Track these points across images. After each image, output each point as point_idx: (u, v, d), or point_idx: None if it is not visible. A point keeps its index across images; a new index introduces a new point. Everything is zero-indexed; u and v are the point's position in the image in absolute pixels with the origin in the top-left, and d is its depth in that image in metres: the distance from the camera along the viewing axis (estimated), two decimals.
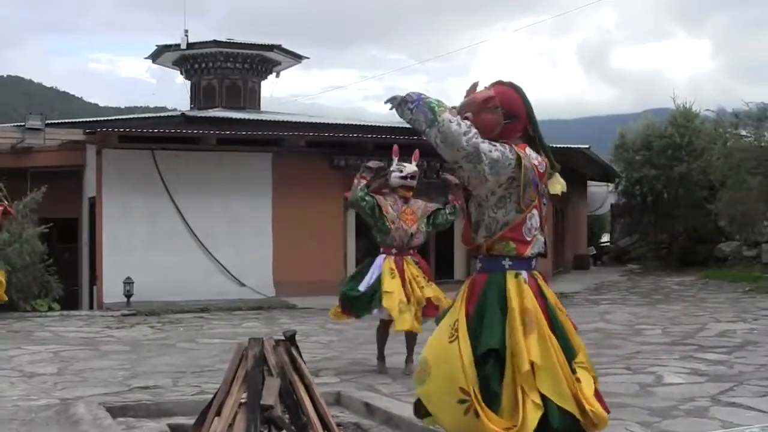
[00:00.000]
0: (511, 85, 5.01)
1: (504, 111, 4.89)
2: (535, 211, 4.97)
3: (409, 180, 10.50)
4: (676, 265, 29.62)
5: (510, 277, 4.84)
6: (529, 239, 4.96)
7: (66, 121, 27.82)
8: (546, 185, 5.10)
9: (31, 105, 54.22)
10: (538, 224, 5.02)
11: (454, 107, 4.86)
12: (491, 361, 4.64)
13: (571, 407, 4.68)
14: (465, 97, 5.01)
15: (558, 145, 25.98)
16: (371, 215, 10.29)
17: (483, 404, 4.56)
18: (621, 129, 32.48)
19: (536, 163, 5.00)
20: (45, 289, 18.89)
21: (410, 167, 10.60)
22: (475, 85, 5.05)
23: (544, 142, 5.20)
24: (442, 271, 22.12)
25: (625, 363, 11.05)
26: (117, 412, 7.94)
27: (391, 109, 4.88)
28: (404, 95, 4.66)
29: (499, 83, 5.02)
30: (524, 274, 4.94)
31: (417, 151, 10.80)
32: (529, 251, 4.97)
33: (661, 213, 30.76)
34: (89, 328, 15.67)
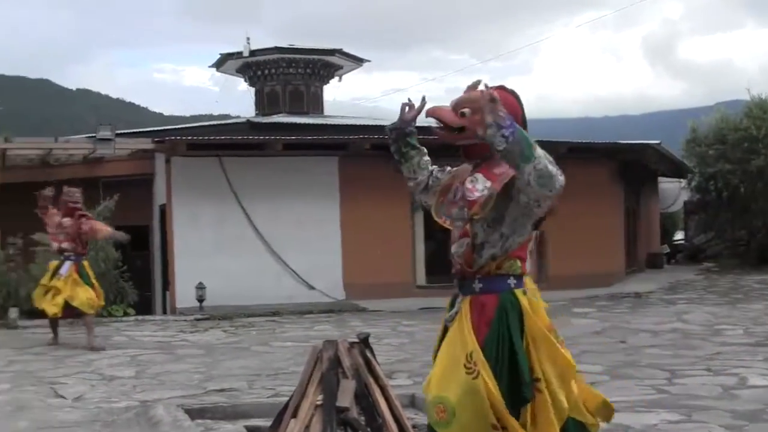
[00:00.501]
0: (512, 93, 4.76)
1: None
2: None
3: None
4: (755, 263, 28.85)
5: (520, 295, 4.52)
6: (526, 256, 4.70)
7: (134, 131, 28.19)
8: None
9: (100, 116, 54.96)
10: None
11: (440, 106, 4.78)
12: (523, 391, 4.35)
13: (584, 417, 4.59)
14: (465, 92, 4.75)
15: (627, 141, 25.89)
16: None
17: None
18: (692, 123, 31.43)
19: None
20: (120, 294, 19.21)
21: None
22: (476, 83, 4.74)
23: None
24: None
25: (705, 364, 10.89)
26: (195, 414, 8.12)
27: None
28: (496, 118, 4.13)
29: (502, 88, 4.73)
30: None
31: None
32: (527, 268, 4.69)
33: (738, 209, 29.77)
34: (164, 333, 15.95)
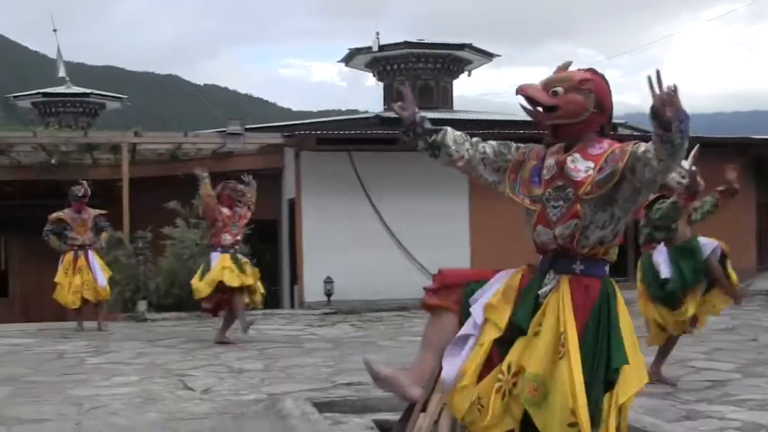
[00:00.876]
0: (603, 77, 4.62)
1: (596, 98, 4.51)
2: None
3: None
4: None
5: (615, 285, 4.47)
6: None
7: (263, 125, 28.45)
8: None
9: (228, 112, 55.71)
10: None
11: (530, 84, 4.62)
12: (603, 383, 4.27)
13: None
14: (555, 72, 4.65)
15: (760, 136, 25.18)
16: None
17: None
18: None
19: None
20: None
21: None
22: (567, 64, 4.68)
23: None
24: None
25: None
26: (323, 408, 8.07)
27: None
28: (678, 111, 3.92)
29: (593, 71, 4.64)
30: None
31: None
32: None
33: None
34: (292, 326, 16.00)
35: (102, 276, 15.45)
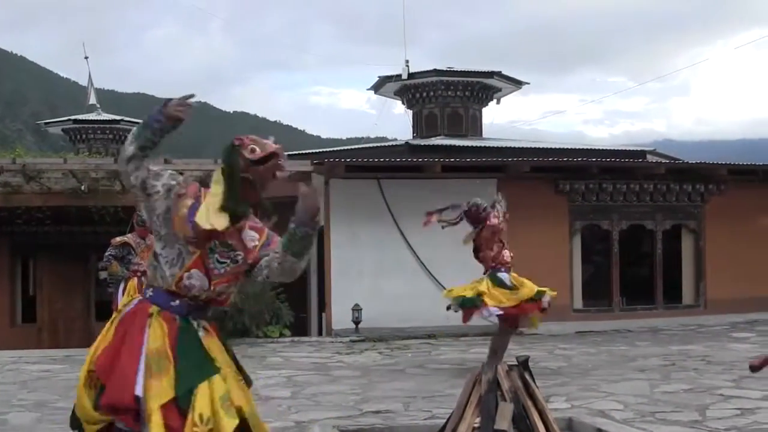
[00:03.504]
0: None
1: None
2: None
3: None
4: None
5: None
6: None
7: (293, 153, 28.52)
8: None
9: None
10: None
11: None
12: None
13: None
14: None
15: None
16: None
17: None
18: None
19: None
20: (276, 315, 19.34)
21: None
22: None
23: None
24: (668, 296, 21.74)
25: None
26: None
27: None
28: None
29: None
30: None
31: None
32: None
33: None
34: (319, 354, 15.99)
35: None
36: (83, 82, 43.65)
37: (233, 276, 4.75)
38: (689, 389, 10.99)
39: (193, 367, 4.50)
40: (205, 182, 16.92)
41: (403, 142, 28.82)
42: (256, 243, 4.77)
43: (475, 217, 11.63)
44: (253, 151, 4.87)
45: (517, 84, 33.33)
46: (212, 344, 4.68)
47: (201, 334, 4.66)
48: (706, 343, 16.39)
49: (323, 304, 20.59)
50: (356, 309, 19.19)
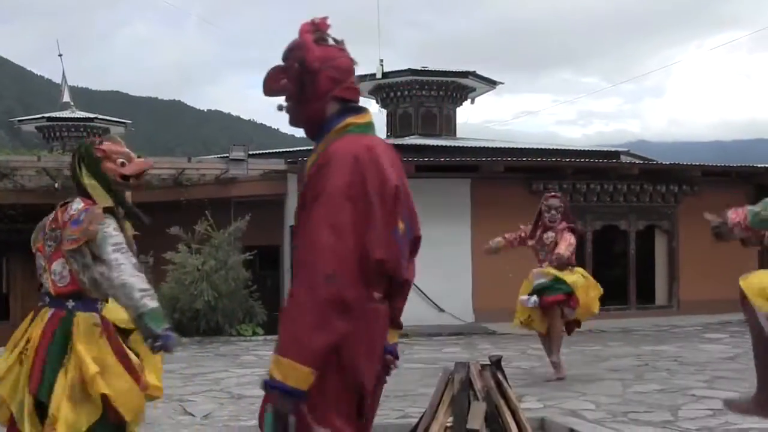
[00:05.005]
0: None
1: None
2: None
3: None
4: None
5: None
6: None
7: (267, 152, 28.50)
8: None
9: (231, 137, 55.85)
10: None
11: None
12: None
13: None
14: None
15: (764, 165, 25.22)
16: None
17: None
18: None
19: None
20: (249, 314, 19.33)
21: None
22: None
23: None
24: (642, 296, 21.86)
25: None
26: None
27: None
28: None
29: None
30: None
31: None
32: None
33: None
34: None
35: None
36: (57, 79, 43.51)
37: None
38: (661, 389, 11.04)
39: None
40: (178, 181, 16.87)
41: None
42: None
43: None
44: (122, 164, 5.13)
45: (492, 84, 33.38)
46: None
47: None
48: (679, 343, 16.46)
49: None
50: None
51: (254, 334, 18.85)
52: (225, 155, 21.99)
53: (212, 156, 26.78)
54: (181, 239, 19.05)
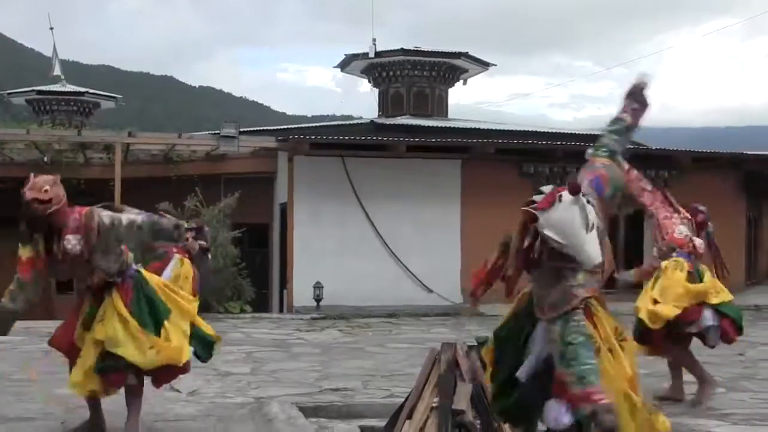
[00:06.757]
0: None
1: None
2: None
3: None
4: None
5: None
6: None
7: (258, 129, 28.43)
8: None
9: (222, 114, 55.69)
10: None
11: None
12: None
13: None
14: None
15: (753, 152, 25.27)
16: None
17: None
18: None
19: None
20: (237, 291, 19.33)
21: None
22: None
23: None
24: None
25: None
26: (309, 413, 8.07)
27: None
28: None
29: None
30: None
31: None
32: None
33: None
34: (280, 331, 15.97)
35: None
36: (48, 53, 43.24)
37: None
38: (646, 374, 11.04)
39: None
40: (168, 157, 16.93)
41: (369, 121, 28.83)
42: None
43: None
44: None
45: (484, 65, 33.34)
46: None
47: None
48: None
49: (285, 281, 20.58)
50: (318, 286, 19.19)
51: (242, 311, 18.85)
52: (216, 132, 21.94)
53: (203, 132, 26.72)
54: (171, 215, 18.99)
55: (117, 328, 6.82)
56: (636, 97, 5.73)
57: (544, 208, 4.90)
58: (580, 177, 5.17)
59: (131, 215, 6.89)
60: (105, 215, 6.75)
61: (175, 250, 12.51)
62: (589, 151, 5.55)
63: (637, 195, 9.15)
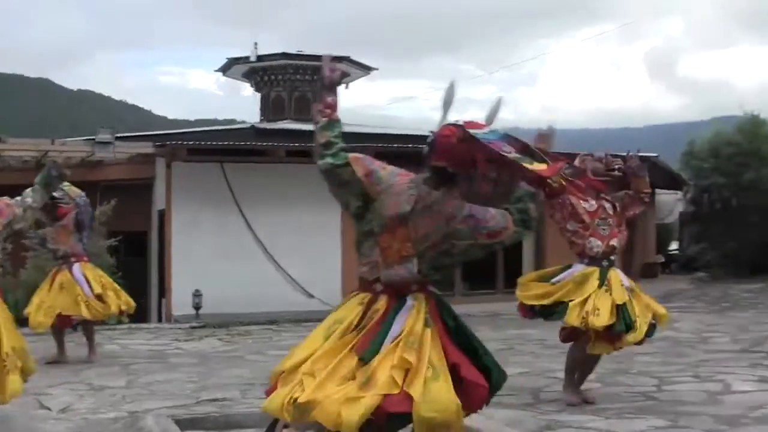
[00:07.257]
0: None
1: None
2: None
3: None
4: (746, 274, 28.70)
5: None
6: None
7: (136, 134, 27.99)
8: None
9: (101, 118, 54.84)
10: None
11: None
12: None
13: None
14: None
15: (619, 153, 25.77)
16: None
17: None
18: (690, 137, 32.12)
19: None
20: None
21: None
22: None
23: None
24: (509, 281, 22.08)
25: (693, 371, 10.95)
26: (185, 425, 7.90)
27: None
28: None
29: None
30: None
31: None
32: None
33: (729, 220, 30.01)
34: (158, 341, 15.69)
35: None
36: None
37: None
38: (525, 372, 11.15)
39: None
40: (40, 163, 16.52)
41: (249, 125, 28.60)
42: None
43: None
44: None
45: (366, 69, 33.35)
46: None
47: None
48: (545, 326, 16.60)
49: (164, 290, 20.27)
50: (197, 294, 18.93)
51: (119, 322, 18.43)
52: (91, 137, 21.53)
53: (78, 138, 26.20)
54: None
55: None
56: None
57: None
58: None
59: None
60: None
61: None
62: None
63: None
